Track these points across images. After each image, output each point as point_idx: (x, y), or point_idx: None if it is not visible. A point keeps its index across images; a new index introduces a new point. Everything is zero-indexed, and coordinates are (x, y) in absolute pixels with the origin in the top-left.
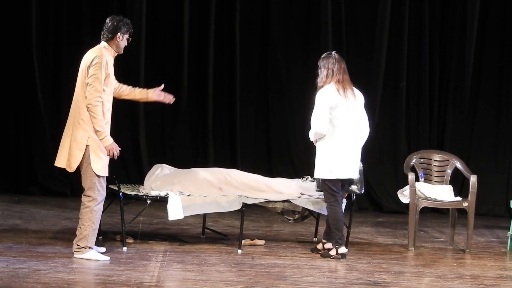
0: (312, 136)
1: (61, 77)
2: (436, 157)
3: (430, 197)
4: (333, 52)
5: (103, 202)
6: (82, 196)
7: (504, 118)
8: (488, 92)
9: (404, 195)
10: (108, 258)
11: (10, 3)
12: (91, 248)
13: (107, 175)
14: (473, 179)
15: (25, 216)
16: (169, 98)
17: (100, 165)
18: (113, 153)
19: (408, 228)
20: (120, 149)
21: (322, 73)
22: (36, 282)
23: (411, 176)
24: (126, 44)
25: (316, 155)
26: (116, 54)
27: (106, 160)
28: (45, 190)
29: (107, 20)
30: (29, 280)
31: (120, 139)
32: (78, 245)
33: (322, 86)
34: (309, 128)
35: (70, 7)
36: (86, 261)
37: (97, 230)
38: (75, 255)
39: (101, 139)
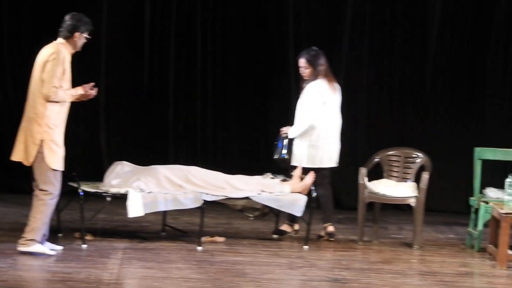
0: (302, 130)
1: (17, 73)
2: (402, 153)
3: (379, 193)
4: (317, 49)
5: (57, 197)
6: (37, 190)
7: (464, 115)
8: (449, 89)
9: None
10: (54, 252)
11: None
12: (37, 241)
13: (62, 169)
14: (424, 175)
15: None
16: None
17: (54, 159)
18: (87, 93)
19: (357, 223)
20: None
21: (309, 68)
22: None
23: (362, 170)
24: (85, 41)
25: (303, 146)
26: (73, 51)
27: (61, 154)
28: (4, 186)
29: (67, 18)
30: None
31: (80, 136)
32: (24, 237)
33: (310, 81)
34: (272, 123)
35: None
36: (45, 258)
37: (47, 225)
38: (21, 248)
39: (74, 98)
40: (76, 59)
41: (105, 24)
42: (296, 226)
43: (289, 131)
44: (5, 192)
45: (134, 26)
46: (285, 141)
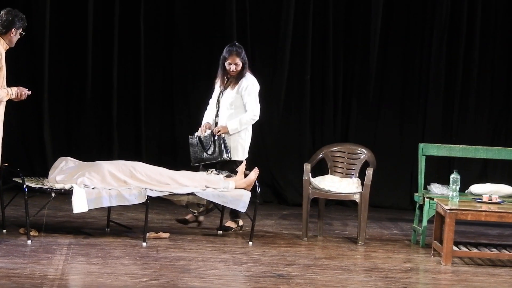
0: (250, 122)
1: None
2: (346, 149)
3: (323, 189)
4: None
5: None
6: None
7: (408, 111)
8: (393, 85)
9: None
10: None
11: None
12: None
13: None
14: (368, 171)
15: None
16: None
17: None
18: (21, 94)
19: (302, 218)
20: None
21: (241, 64)
22: None
23: (307, 166)
24: (19, 37)
25: (240, 139)
26: (8, 47)
27: None
28: None
29: (2, 13)
30: None
31: (24, 131)
32: None
33: (238, 77)
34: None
35: None
36: None
37: None
38: None
39: (10, 98)
40: (21, 52)
41: (49, 17)
42: (240, 222)
43: (230, 128)
44: None
45: (78, 18)
46: (222, 140)
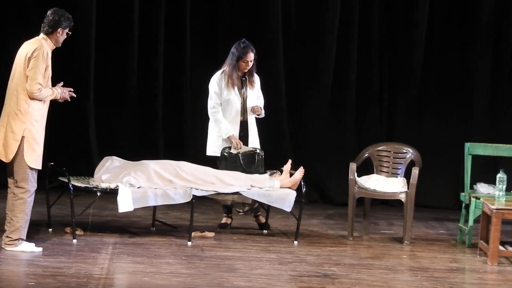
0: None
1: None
2: (391, 149)
3: (369, 188)
4: None
5: (34, 194)
6: (14, 188)
7: (453, 110)
8: (438, 84)
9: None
10: (41, 249)
11: None
12: (23, 240)
13: (39, 168)
14: (414, 170)
15: None
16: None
17: (33, 157)
18: (67, 96)
19: (348, 218)
20: (71, 90)
21: (256, 58)
22: None
23: (352, 166)
24: (66, 37)
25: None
26: (54, 47)
27: (40, 152)
28: None
29: (49, 13)
30: None
31: (69, 130)
32: (10, 237)
33: (252, 74)
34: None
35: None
36: (33, 254)
37: (29, 221)
38: (7, 248)
39: (54, 98)
40: (66, 53)
41: (95, 16)
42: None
43: (263, 113)
44: None
45: (123, 19)
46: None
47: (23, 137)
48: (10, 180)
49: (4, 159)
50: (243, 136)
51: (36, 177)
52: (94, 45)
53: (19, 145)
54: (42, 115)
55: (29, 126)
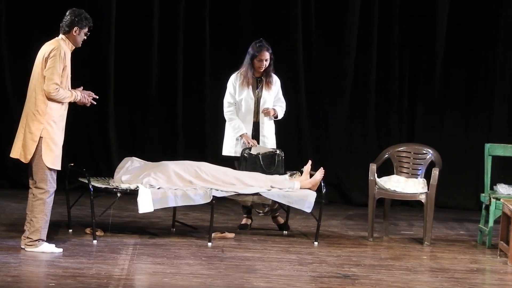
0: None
1: (16, 69)
2: (411, 149)
3: (389, 189)
4: None
5: (53, 194)
6: (33, 189)
7: (473, 111)
8: (458, 85)
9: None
10: (61, 250)
11: None
12: (44, 240)
13: (58, 168)
14: (434, 171)
15: None
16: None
17: (51, 158)
18: (87, 101)
19: (367, 219)
20: (91, 93)
21: (272, 58)
22: (6, 275)
23: (372, 166)
24: (85, 37)
25: (273, 128)
26: (73, 47)
27: (58, 153)
28: (15, 183)
29: (67, 13)
30: None
31: (89, 131)
32: (30, 238)
33: (269, 74)
34: None
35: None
36: (53, 254)
37: (48, 222)
38: (28, 249)
39: (74, 100)
40: (86, 54)
41: (114, 17)
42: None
43: (279, 114)
44: (17, 188)
45: (143, 20)
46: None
47: (41, 137)
48: (30, 181)
49: (23, 160)
50: (255, 136)
51: (55, 178)
52: (114, 46)
53: (37, 145)
54: (60, 116)
55: (46, 126)
